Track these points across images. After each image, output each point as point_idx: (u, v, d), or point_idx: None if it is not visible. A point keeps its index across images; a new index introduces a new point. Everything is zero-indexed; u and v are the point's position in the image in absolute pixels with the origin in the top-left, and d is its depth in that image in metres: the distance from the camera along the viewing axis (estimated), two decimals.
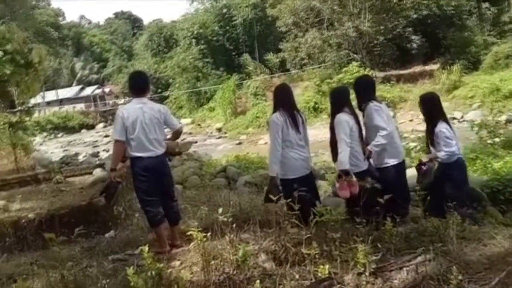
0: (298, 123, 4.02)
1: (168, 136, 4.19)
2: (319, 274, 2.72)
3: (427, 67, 27.28)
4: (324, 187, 6.63)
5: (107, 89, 59.55)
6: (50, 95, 50.21)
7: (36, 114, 42.05)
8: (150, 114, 3.82)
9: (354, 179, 3.86)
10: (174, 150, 6.03)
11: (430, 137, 4.29)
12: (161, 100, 42.67)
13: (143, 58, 52.28)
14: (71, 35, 68.06)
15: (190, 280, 3.08)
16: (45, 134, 36.84)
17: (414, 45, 29.37)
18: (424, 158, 4.38)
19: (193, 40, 39.78)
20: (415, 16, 28.70)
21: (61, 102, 51.20)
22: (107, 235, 4.60)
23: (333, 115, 4.19)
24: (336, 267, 2.87)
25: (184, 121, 33.88)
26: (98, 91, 57.21)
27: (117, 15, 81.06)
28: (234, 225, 3.52)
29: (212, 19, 41.16)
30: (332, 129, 4.15)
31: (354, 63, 27.02)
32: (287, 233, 3.37)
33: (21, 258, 4.16)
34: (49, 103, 49.10)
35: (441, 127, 4.16)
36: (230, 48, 40.79)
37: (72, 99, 52.79)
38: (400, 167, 4.26)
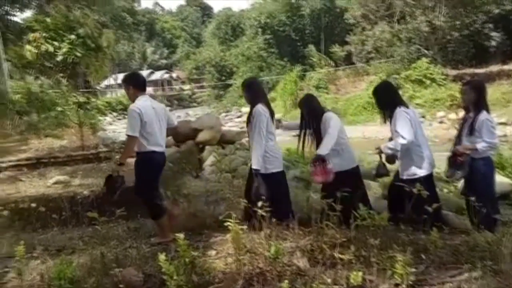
0: (274, 117, 4.08)
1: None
2: (351, 280, 2.61)
3: (506, 67, 25.24)
4: (374, 188, 6.37)
5: (174, 74, 61.75)
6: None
7: (108, 95, 44.62)
8: (160, 111, 4.01)
9: (330, 166, 3.82)
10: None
11: (471, 126, 3.91)
12: (224, 88, 43.50)
13: (210, 45, 53.37)
14: (145, 21, 71.04)
15: (222, 270, 3.10)
16: (115, 114, 38.88)
17: (493, 43, 27.33)
18: (461, 149, 3.99)
19: (259, 30, 39.95)
20: (496, 11, 26.62)
21: None
22: None
23: (319, 116, 4.20)
24: (372, 274, 2.74)
25: (244, 109, 34.23)
26: (166, 75, 59.47)
27: (188, 2, 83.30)
28: (273, 220, 3.49)
29: (280, 9, 40.98)
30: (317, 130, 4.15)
31: (424, 59, 25.71)
32: (325, 234, 3.28)
33: (73, 232, 4.43)
34: (120, 85, 51.81)
35: (487, 115, 3.87)
36: (296, 38, 40.44)
37: None
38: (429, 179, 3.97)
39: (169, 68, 65.42)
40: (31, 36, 13.24)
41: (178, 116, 34.58)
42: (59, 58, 12.59)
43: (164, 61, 67.77)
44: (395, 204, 3.98)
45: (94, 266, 3.00)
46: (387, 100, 4.15)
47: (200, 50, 60.96)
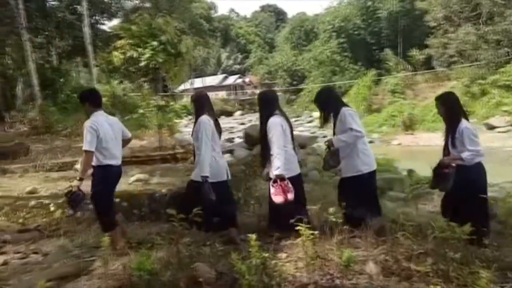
0: (220, 128, 4.22)
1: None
2: None
3: None
4: None
5: (247, 79, 62.92)
6: (198, 82, 54.97)
7: (184, 99, 46.61)
8: (115, 126, 4.15)
9: (290, 185, 3.79)
10: None
11: (452, 137, 3.90)
12: (296, 92, 43.50)
13: (282, 50, 53.71)
14: (220, 27, 73.29)
15: (293, 274, 3.10)
16: (190, 117, 40.46)
17: None
18: (447, 160, 3.92)
19: (333, 34, 39.46)
20: None
21: (206, 89, 55.60)
22: None
23: (264, 119, 4.05)
24: None
25: (315, 114, 33.94)
26: (239, 80, 60.81)
27: (263, 8, 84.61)
28: (345, 227, 3.43)
29: (355, 12, 40.21)
30: (263, 134, 4.02)
31: None
32: (400, 244, 3.16)
33: (151, 228, 4.68)
34: (196, 90, 53.87)
35: (466, 124, 3.87)
36: (371, 42, 39.40)
37: (216, 87, 57.08)
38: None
39: (242, 73, 66.82)
40: (118, 43, 14.27)
41: (250, 120, 35.20)
42: (142, 63, 13.44)
43: (237, 66, 69.40)
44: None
45: (170, 261, 3.14)
46: (330, 103, 4.15)
47: (273, 55, 61.62)
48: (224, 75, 62.46)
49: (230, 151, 9.35)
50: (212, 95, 51.06)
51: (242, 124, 32.92)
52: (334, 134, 4.13)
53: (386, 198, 5.85)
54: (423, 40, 32.19)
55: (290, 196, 3.79)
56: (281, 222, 3.84)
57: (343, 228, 3.39)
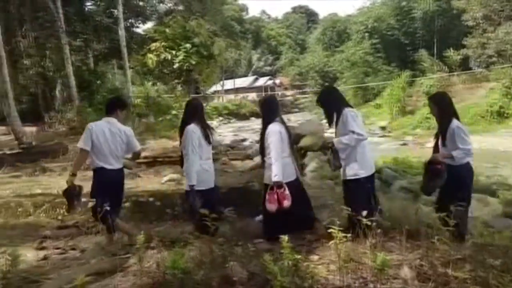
0: (209, 136, 4.25)
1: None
2: None
3: None
4: (494, 205, 5.77)
5: (277, 81, 62.93)
6: (229, 84, 55.41)
7: (215, 100, 47.09)
8: (120, 134, 4.36)
9: (287, 192, 3.79)
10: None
11: (443, 136, 4.00)
12: None
13: (314, 52, 53.35)
14: (251, 29, 73.63)
15: (325, 277, 3.08)
16: (220, 118, 40.82)
17: None
18: (438, 157, 4.00)
19: (366, 34, 38.85)
20: None
21: (236, 90, 56.05)
22: (257, 218, 4.90)
23: (264, 125, 4.09)
24: None
25: None
26: (270, 82, 60.86)
27: (294, 9, 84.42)
28: (379, 230, 3.38)
29: (389, 12, 39.47)
30: (262, 140, 4.10)
31: None
32: (436, 249, 3.07)
33: (185, 227, 4.75)
34: (227, 91, 54.28)
35: (457, 123, 3.96)
36: (405, 43, 38.58)
37: (247, 88, 57.36)
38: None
39: (273, 74, 66.87)
40: (152, 45, 14.60)
41: None
42: (176, 65, 13.68)
43: (268, 68, 69.51)
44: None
45: (203, 260, 3.18)
46: (332, 102, 4.13)
47: (304, 56, 61.31)
48: (254, 76, 62.68)
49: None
50: (243, 96, 51.59)
51: None
52: (335, 134, 4.13)
53: (421, 202, 5.71)
54: (460, 40, 31.21)
55: (286, 203, 3.82)
56: (268, 228, 4.00)
57: (377, 231, 3.33)
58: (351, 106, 4.12)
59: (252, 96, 53.86)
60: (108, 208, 4.10)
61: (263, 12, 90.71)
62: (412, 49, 37.29)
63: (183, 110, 4.41)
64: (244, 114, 42.03)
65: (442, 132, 4.01)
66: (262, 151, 4.11)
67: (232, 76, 58.82)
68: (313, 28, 72.46)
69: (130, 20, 29.69)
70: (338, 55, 43.53)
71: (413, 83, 31.78)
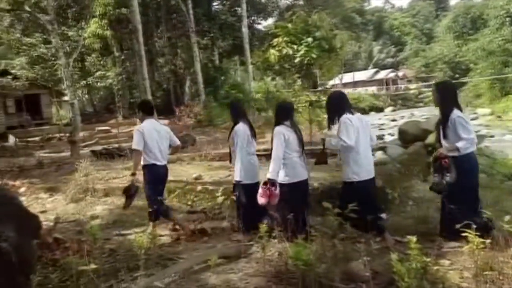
0: (255, 133, 4.74)
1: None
2: None
3: None
4: None
5: (400, 73, 59.58)
6: (347, 77, 54.13)
7: None
8: (163, 133, 4.77)
9: (277, 191, 3.99)
10: None
11: (443, 127, 3.92)
12: (458, 87, 39.47)
13: (443, 41, 49.34)
14: (373, 20, 70.83)
15: (458, 284, 2.85)
16: None
17: None
18: (443, 151, 3.90)
19: (507, 20, 34.47)
20: None
21: (355, 84, 54.52)
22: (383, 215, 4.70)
23: (274, 126, 4.32)
24: None
25: (480, 111, 30.32)
26: (392, 74, 57.87)
27: None
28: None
29: None
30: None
31: None
32: None
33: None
34: (345, 85, 53.13)
35: (458, 113, 3.84)
36: None
37: (366, 82, 55.41)
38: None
39: (395, 66, 63.45)
40: (274, 41, 15.00)
41: (402, 116, 33.25)
42: (297, 59, 13.85)
43: (390, 60, 66.10)
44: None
45: (325, 254, 3.18)
46: (337, 107, 4.13)
47: (431, 46, 57.04)
48: (375, 69, 60.15)
49: (382, 149, 8.96)
50: (362, 90, 50.02)
51: (393, 120, 31.18)
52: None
53: None
54: None
55: (273, 201, 4.02)
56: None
57: None
58: (352, 114, 4.08)
59: (372, 89, 51.89)
60: (163, 199, 4.71)
61: (387, 1, 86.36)
62: None
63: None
64: (363, 109, 40.70)
65: (443, 122, 3.93)
66: (271, 150, 4.36)
67: (351, 69, 57.36)
68: (442, 16, 66.87)
69: (252, 17, 30.91)
70: (472, 43, 39.47)
71: None
